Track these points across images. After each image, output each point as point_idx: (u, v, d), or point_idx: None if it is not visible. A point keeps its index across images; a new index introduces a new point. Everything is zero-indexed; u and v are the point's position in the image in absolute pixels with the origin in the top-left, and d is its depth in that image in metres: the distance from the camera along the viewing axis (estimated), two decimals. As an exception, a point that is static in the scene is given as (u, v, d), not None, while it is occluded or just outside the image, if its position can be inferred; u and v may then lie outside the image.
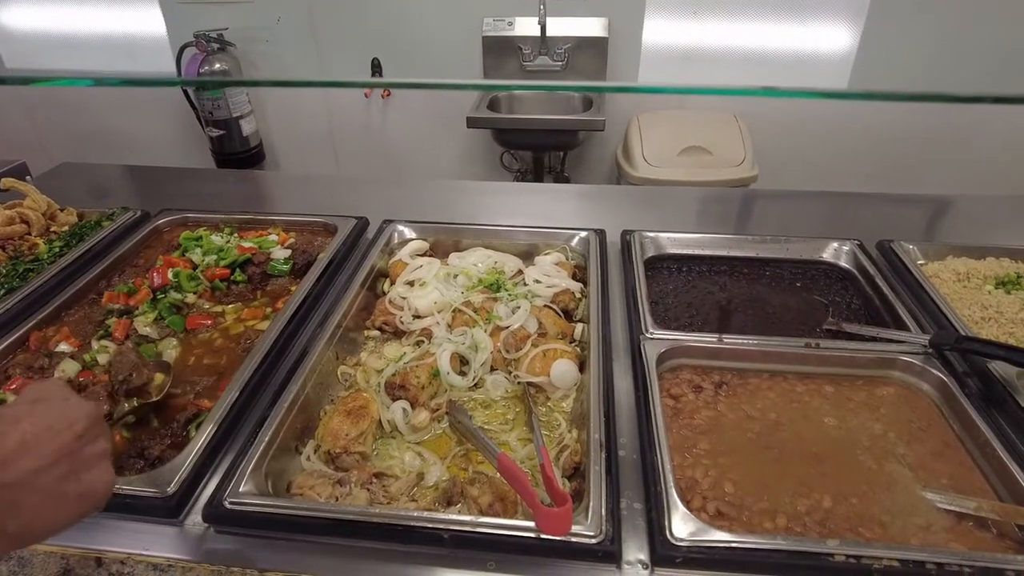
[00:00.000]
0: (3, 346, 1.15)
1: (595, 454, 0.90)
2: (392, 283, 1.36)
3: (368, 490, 0.93)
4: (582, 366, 1.13)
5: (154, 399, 1.05)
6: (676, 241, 1.42)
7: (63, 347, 1.16)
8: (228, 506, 0.85)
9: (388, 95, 3.15)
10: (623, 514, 0.86)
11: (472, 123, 2.68)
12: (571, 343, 1.20)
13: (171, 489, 0.87)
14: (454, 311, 1.24)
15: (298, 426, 1.02)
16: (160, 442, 0.99)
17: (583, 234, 1.42)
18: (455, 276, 1.34)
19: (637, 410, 1.00)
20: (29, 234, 1.45)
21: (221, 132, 3.10)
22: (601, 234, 1.41)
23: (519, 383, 1.12)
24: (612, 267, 1.35)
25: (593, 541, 0.79)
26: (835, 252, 1.41)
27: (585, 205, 1.73)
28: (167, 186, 1.91)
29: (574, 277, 1.34)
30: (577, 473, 0.97)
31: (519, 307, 1.22)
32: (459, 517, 0.83)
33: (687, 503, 0.86)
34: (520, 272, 1.38)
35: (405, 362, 1.14)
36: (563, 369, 1.11)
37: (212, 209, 1.59)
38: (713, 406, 1.05)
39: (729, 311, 1.29)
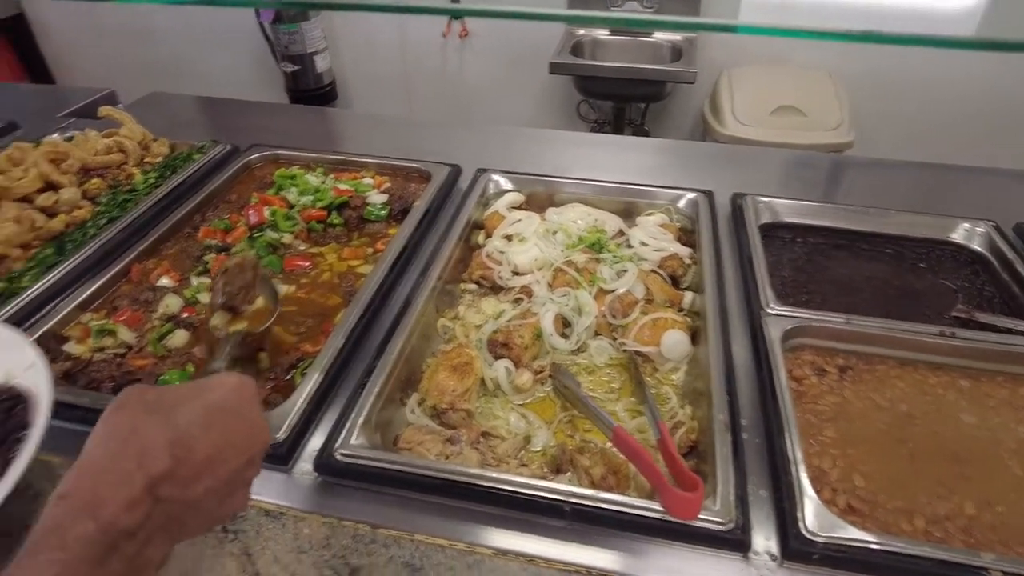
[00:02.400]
0: (108, 276, 1.15)
1: (720, 435, 0.85)
2: (487, 236, 1.31)
3: (477, 450, 0.90)
4: (693, 337, 1.07)
5: (260, 328, 0.99)
6: (792, 209, 1.33)
7: (164, 281, 1.15)
8: (340, 458, 0.83)
9: (466, 35, 3.04)
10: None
11: (555, 69, 2.56)
12: (680, 312, 1.14)
13: (281, 436, 0.86)
14: (555, 270, 1.18)
15: (403, 378, 0.99)
16: (264, 386, 0.98)
17: (691, 195, 1.34)
18: (554, 232, 1.28)
19: (760, 391, 0.94)
20: (125, 163, 1.44)
21: (296, 68, 3.05)
22: (710, 196, 1.33)
23: (625, 351, 1.07)
24: (722, 233, 1.27)
25: (722, 528, 0.75)
26: (967, 233, 1.30)
27: (671, 162, 1.63)
28: (249, 120, 1.88)
29: (680, 241, 1.27)
30: (693, 452, 0.92)
31: (625, 270, 1.16)
32: (580, 490, 0.79)
33: (817, 494, 0.81)
34: (621, 232, 1.31)
35: (506, 320, 1.10)
36: (675, 340, 1.05)
37: (298, 146, 1.55)
38: (838, 392, 0.99)
39: (850, 289, 1.20)
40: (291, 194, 1.31)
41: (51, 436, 0.91)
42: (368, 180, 1.38)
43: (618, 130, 2.93)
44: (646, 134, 3.03)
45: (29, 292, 1.10)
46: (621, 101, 2.83)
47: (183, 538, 0.54)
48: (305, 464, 0.86)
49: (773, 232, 1.31)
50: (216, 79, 3.45)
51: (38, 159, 1.32)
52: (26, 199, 1.28)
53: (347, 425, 0.87)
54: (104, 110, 1.49)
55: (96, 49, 3.60)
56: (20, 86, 2.94)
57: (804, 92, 2.65)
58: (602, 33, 2.83)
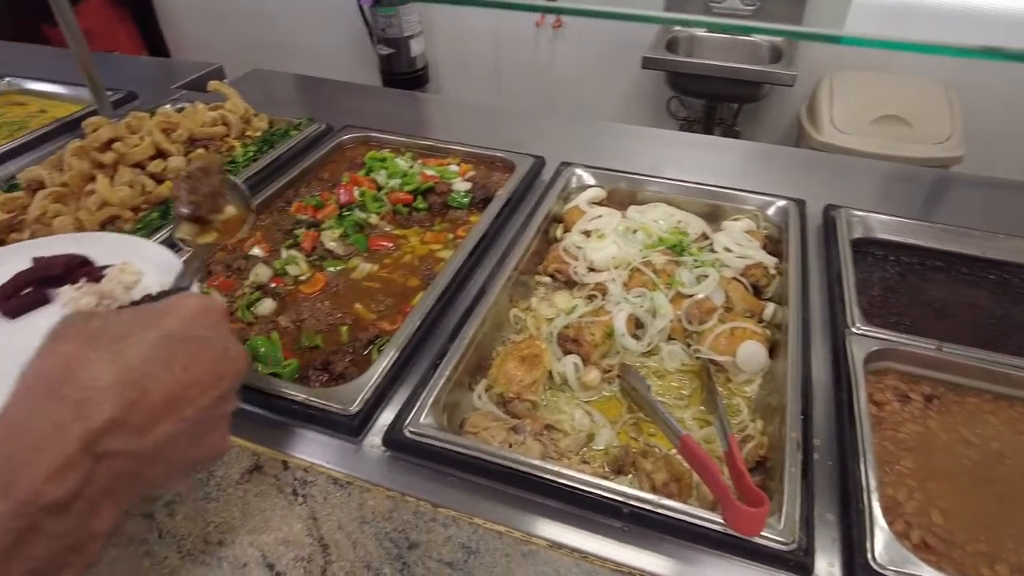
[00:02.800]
0: (207, 242, 1.22)
1: (790, 454, 0.82)
2: (566, 230, 1.31)
3: (540, 442, 0.91)
4: (771, 350, 1.04)
5: (234, 239, 0.92)
6: (888, 225, 1.26)
7: (256, 251, 1.22)
8: (408, 435, 0.86)
9: (560, 25, 3.03)
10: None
11: (648, 64, 2.52)
12: (759, 323, 1.10)
13: (354, 408, 0.90)
14: (632, 269, 1.17)
15: (473, 363, 1.01)
16: (342, 359, 1.02)
17: (781, 203, 1.30)
18: (634, 231, 1.27)
19: (837, 412, 0.91)
20: (228, 136, 1.52)
21: (391, 51, 3.12)
22: (801, 205, 1.28)
23: (699, 358, 1.05)
24: (811, 245, 1.22)
25: (784, 548, 0.73)
26: (1086, 264, 1.20)
27: (762, 166, 1.58)
28: (344, 100, 1.95)
29: (765, 249, 1.23)
30: (759, 468, 0.90)
31: (706, 276, 1.14)
32: (640, 493, 0.79)
33: (889, 525, 0.77)
34: (704, 236, 1.29)
35: (578, 315, 1.10)
36: (752, 351, 1.03)
37: (389, 129, 1.60)
38: (922, 421, 0.94)
39: (944, 315, 1.14)
40: (380, 176, 1.35)
41: None
42: (454, 167, 1.41)
43: (708, 129, 2.86)
44: (737, 135, 2.94)
45: (136, 252, 1.19)
46: (714, 100, 2.76)
47: (140, 494, 0.46)
48: (375, 438, 0.89)
49: (866, 248, 1.25)
50: (316, 58, 3.57)
51: (152, 128, 1.41)
52: (139, 165, 1.38)
53: (417, 404, 0.90)
54: (213, 85, 1.57)
55: (209, 26, 3.80)
56: (140, 59, 3.14)
57: (911, 101, 2.50)
58: (700, 30, 2.76)
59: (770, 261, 1.19)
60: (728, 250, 1.21)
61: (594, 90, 3.14)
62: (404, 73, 3.18)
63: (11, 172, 1.50)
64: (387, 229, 1.29)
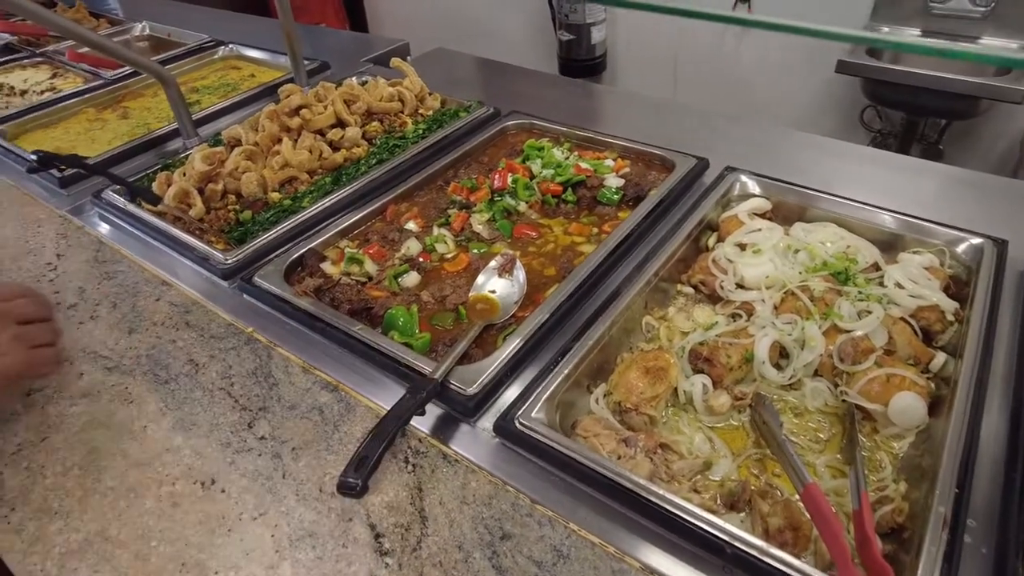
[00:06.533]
0: (367, 211, 1.30)
1: (934, 530, 0.72)
2: (719, 240, 1.24)
3: (652, 460, 0.88)
4: (932, 406, 0.92)
5: None
6: (1113, 283, 1.06)
7: (411, 225, 1.28)
8: (518, 426, 0.87)
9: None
10: (952, 617, 0.69)
11: (843, 68, 2.30)
12: (923, 373, 0.98)
13: (473, 390, 0.92)
14: (786, 292, 1.08)
15: (595, 365, 1.00)
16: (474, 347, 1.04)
17: (976, 241, 1.13)
18: (796, 251, 1.17)
19: (1005, 495, 0.78)
20: (402, 112, 1.60)
21: (571, 37, 3.12)
22: (1002, 246, 1.11)
23: (844, 401, 0.95)
24: (1006, 293, 1.06)
25: (907, 636, 0.65)
26: None
27: (963, 195, 1.37)
28: (517, 85, 1.97)
29: (946, 291, 1.08)
30: (892, 536, 0.80)
31: (870, 312, 1.02)
32: (749, 537, 0.73)
33: (1050, 639, 0.66)
34: (875, 267, 1.15)
35: (716, 333, 1.04)
36: (908, 403, 0.91)
37: (555, 118, 1.59)
38: (1119, 524, 0.78)
39: None
40: (535, 165, 1.36)
41: (296, 339, 1.07)
42: (609, 162, 1.38)
43: (905, 147, 2.56)
44: (939, 156, 2.60)
45: (307, 212, 1.30)
46: (918, 114, 2.46)
47: None
48: (487, 422, 0.91)
49: (1076, 305, 1.05)
50: (498, 40, 3.66)
51: (335, 98, 1.52)
52: (320, 132, 1.49)
53: (532, 397, 0.90)
54: (394, 62, 1.66)
55: (405, 3, 4.03)
56: (339, 32, 3.40)
57: None
58: (910, 31, 2.46)
59: (949, 305, 1.04)
60: (900, 286, 1.08)
61: (778, 92, 2.93)
62: (582, 60, 3.17)
63: (219, 128, 1.69)
64: (533, 218, 1.30)
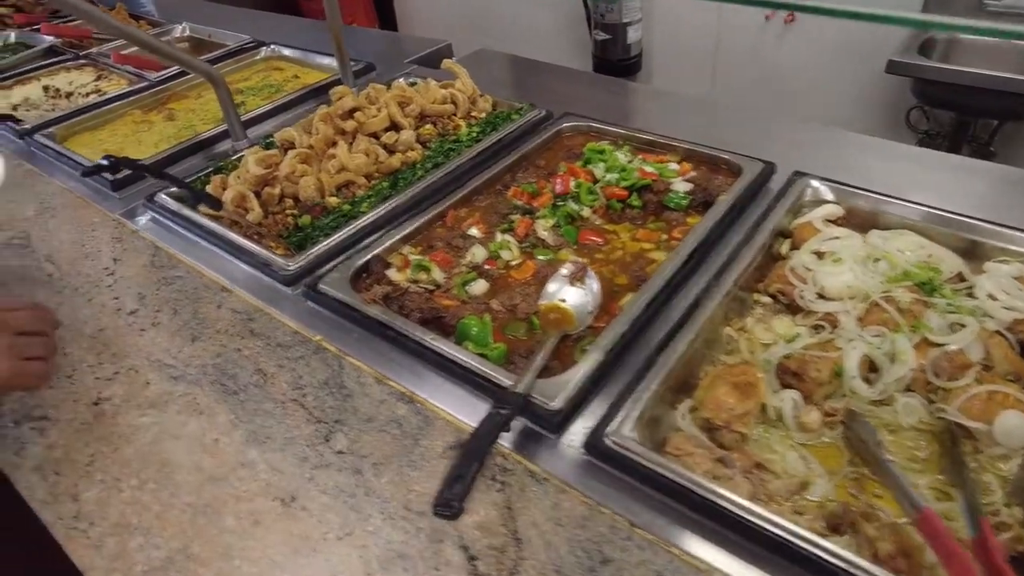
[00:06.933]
0: (428, 217, 1.27)
1: (1068, 561, 0.68)
2: (793, 247, 1.20)
3: (750, 480, 0.84)
4: (1041, 426, 0.88)
5: None
6: None
7: (474, 231, 1.24)
8: (609, 444, 0.83)
9: (792, 20, 2.80)
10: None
11: (894, 68, 2.25)
12: (1025, 389, 0.93)
13: (558, 404, 0.89)
14: (871, 303, 1.04)
15: (680, 379, 0.96)
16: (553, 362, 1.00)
17: (1068, 249, 1.08)
18: (875, 260, 1.13)
19: None
20: (455, 115, 1.57)
21: (607, 37, 3.08)
22: (1097, 256, 1.06)
23: (942, 419, 0.91)
24: (1108, 306, 1.01)
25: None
26: None
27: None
28: (561, 86, 1.93)
29: (1040, 303, 1.04)
30: (1014, 563, 0.76)
31: (963, 325, 0.98)
32: (865, 563, 0.70)
33: None
34: (959, 277, 1.11)
35: (801, 346, 1.00)
36: (1015, 423, 0.87)
37: (606, 119, 1.56)
38: None
39: None
40: (598, 169, 1.32)
41: (366, 348, 1.04)
42: (673, 166, 1.34)
43: (954, 148, 2.50)
44: (990, 157, 2.54)
45: (366, 217, 1.27)
46: (970, 114, 2.40)
47: None
48: (573, 438, 0.88)
49: None
50: (530, 39, 3.63)
51: (389, 101, 1.49)
52: (374, 135, 1.47)
53: (621, 413, 0.87)
54: (446, 63, 1.63)
55: (435, 2, 4.01)
56: (377, 32, 3.39)
57: None
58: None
59: (1050, 318, 0.99)
60: (992, 298, 1.04)
61: (820, 91, 2.88)
62: (617, 60, 3.12)
63: (266, 131, 1.68)
64: (598, 223, 1.27)
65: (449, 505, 0.73)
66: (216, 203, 1.24)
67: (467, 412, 0.93)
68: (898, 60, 2.25)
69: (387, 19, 4.21)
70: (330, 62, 2.05)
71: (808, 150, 1.48)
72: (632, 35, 3.08)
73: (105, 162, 1.27)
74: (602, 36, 3.11)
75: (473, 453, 0.79)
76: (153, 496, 0.87)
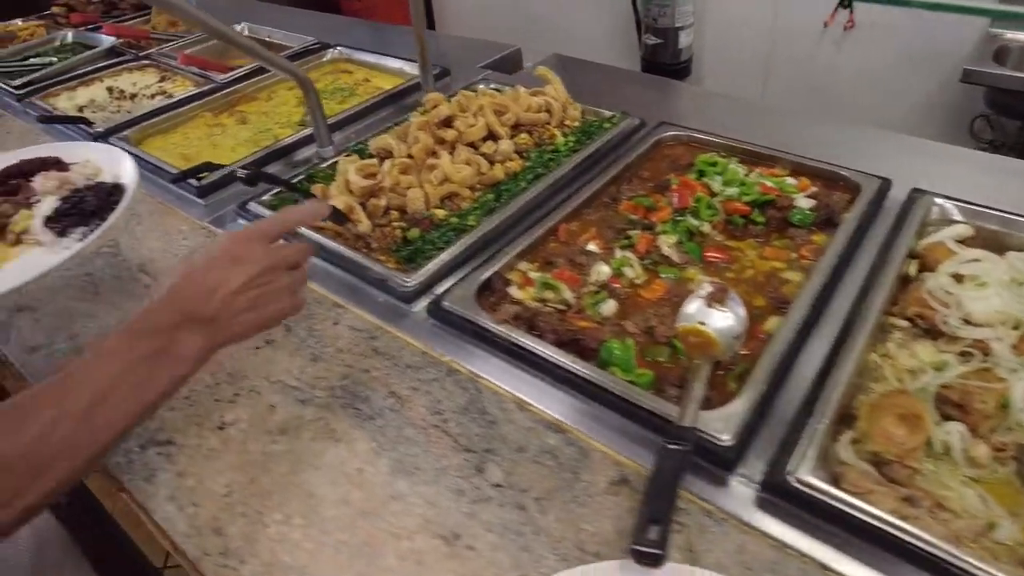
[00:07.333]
0: (542, 231, 1.23)
1: None
2: (922, 268, 1.15)
3: (936, 520, 0.80)
4: None
5: None
6: None
7: (591, 247, 1.20)
8: (793, 482, 0.79)
9: (852, 26, 2.75)
10: None
11: (970, 77, 2.20)
12: None
13: (727, 439, 0.84)
14: (1025, 332, 1.00)
15: (842, 410, 0.92)
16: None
17: None
18: (1020, 284, 1.08)
19: None
20: (548, 123, 1.52)
21: (658, 41, 3.03)
22: None
23: (1126, 455, 0.87)
24: None
25: None
26: None
27: None
28: (638, 92, 1.88)
29: None
30: None
31: None
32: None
33: None
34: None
35: (954, 374, 0.96)
36: None
37: (703, 128, 1.51)
38: None
39: None
40: (715, 182, 1.28)
41: (497, 371, 0.99)
42: (790, 180, 1.30)
43: (1022, 158, 2.44)
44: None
45: (478, 231, 1.23)
46: (1046, 125, 2.35)
47: (233, 337, 0.80)
48: (744, 475, 0.84)
49: None
50: (574, 42, 3.57)
51: (486, 109, 1.45)
52: (471, 145, 1.42)
53: (798, 449, 0.82)
54: (540, 70, 1.59)
55: (475, 2, 3.97)
56: (440, 35, 3.34)
57: None
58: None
59: None
60: None
61: (878, 99, 2.82)
62: (668, 64, 3.07)
63: (346, 136, 1.64)
64: (718, 239, 1.22)
65: (651, 553, 0.69)
66: (343, 218, 1.19)
67: (624, 444, 0.88)
68: (974, 69, 2.20)
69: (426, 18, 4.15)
70: (400, 65, 2.01)
71: (900, 160, 1.42)
72: (684, 39, 3.03)
73: (242, 172, 1.24)
74: (653, 40, 3.06)
75: (664, 493, 0.74)
76: (303, 532, 0.82)
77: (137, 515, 0.91)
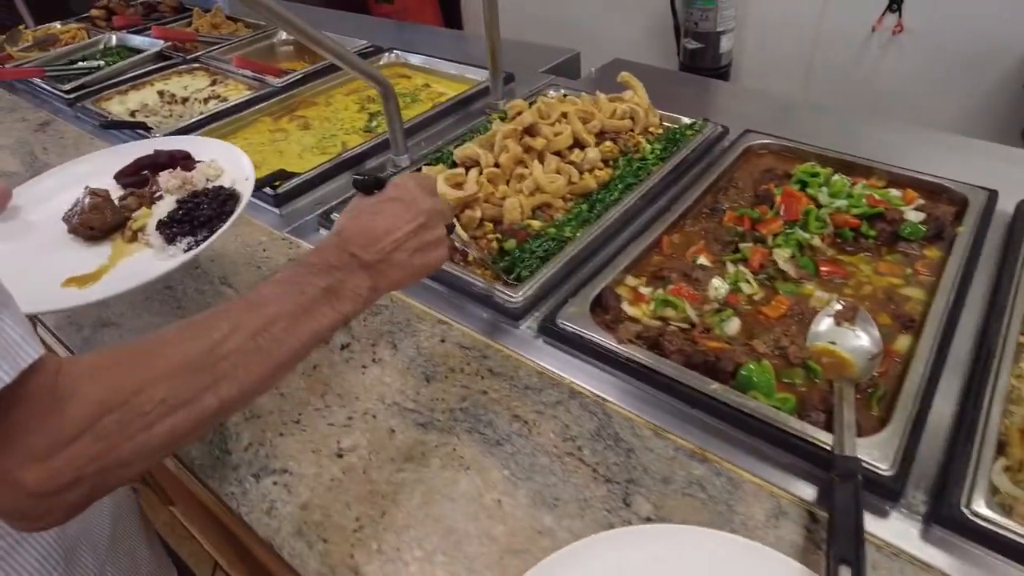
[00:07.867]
0: (645, 245, 1.18)
1: None
2: (1041, 284, 1.12)
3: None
4: None
5: None
6: None
7: (701, 260, 1.16)
8: (969, 515, 0.75)
9: (900, 31, 2.72)
10: None
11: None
12: None
13: (888, 469, 0.80)
14: None
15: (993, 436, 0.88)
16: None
17: None
18: None
19: None
20: (632, 130, 1.48)
21: (699, 46, 3.00)
22: None
23: None
24: None
25: None
26: None
27: None
28: (709, 97, 1.85)
29: None
30: None
31: None
32: None
33: None
34: None
35: (1099, 396, 0.92)
36: None
37: (792, 137, 1.47)
38: None
39: None
40: (821, 194, 1.24)
41: (622, 394, 0.94)
42: (894, 192, 1.26)
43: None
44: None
45: (578, 243, 1.18)
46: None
47: (394, 283, 0.80)
48: (908, 506, 0.80)
49: None
50: (610, 45, 3.52)
51: (572, 116, 1.41)
52: (558, 154, 1.38)
53: (967, 479, 0.78)
54: (624, 76, 1.54)
55: (506, 3, 3.91)
56: (468, 35, 3.28)
57: None
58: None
59: None
60: None
61: (925, 104, 2.79)
62: (707, 68, 3.04)
63: (414, 143, 1.59)
64: (830, 254, 1.18)
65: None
66: (451, 226, 1.14)
67: (773, 473, 0.84)
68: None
69: (452, 19, 4.11)
70: (458, 70, 1.97)
71: (980, 169, 1.38)
72: (725, 44, 3.00)
73: (358, 177, 1.16)
74: (693, 45, 3.02)
75: (847, 531, 0.70)
76: (448, 572, 0.78)
77: (186, 528, 0.87)
